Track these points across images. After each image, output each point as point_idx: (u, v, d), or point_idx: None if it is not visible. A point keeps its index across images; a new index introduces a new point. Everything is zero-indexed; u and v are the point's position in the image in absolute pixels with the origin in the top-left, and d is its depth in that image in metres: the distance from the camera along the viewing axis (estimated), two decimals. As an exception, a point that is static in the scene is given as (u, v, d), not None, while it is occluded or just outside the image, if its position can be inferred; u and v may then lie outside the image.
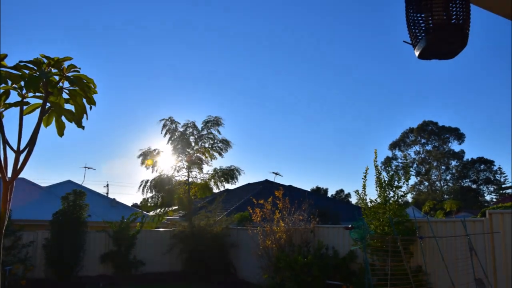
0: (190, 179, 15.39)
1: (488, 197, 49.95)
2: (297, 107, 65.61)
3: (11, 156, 1.84)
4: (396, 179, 8.08)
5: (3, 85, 1.90)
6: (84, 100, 2.07)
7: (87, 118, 2.11)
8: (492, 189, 50.02)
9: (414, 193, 52.81)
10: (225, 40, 46.17)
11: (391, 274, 6.94)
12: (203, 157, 15.33)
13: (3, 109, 1.92)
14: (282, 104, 65.23)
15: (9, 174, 1.85)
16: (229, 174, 15.38)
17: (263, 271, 10.97)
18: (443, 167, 52.58)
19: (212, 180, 15.41)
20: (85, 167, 27.69)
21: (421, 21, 2.20)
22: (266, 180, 24.34)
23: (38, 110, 1.97)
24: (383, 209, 7.96)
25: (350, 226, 7.97)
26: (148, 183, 15.15)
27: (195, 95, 51.45)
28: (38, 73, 1.91)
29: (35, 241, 13.24)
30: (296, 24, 49.32)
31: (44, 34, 34.11)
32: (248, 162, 73.47)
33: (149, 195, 15.24)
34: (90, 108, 2.10)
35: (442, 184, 53.14)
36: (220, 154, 15.38)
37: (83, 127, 2.09)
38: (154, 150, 15.35)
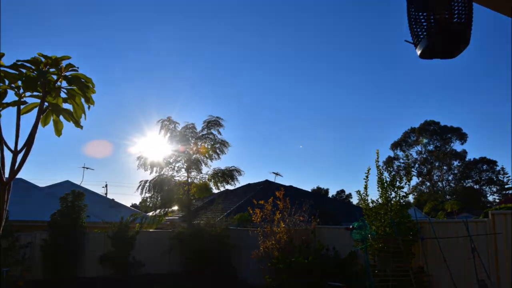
0: (190, 180, 15.37)
1: (490, 198, 49.68)
2: (297, 107, 65.65)
3: (8, 156, 1.82)
4: (398, 179, 8.05)
5: (0, 84, 1.88)
6: (83, 100, 2.05)
7: (85, 118, 2.09)
8: (494, 189, 49.73)
9: (416, 194, 52.65)
10: (225, 40, 46.21)
11: (393, 275, 6.91)
12: (204, 157, 15.36)
13: (0, 109, 1.90)
14: (283, 104, 65.26)
15: (7, 175, 1.83)
16: (229, 175, 15.40)
17: (264, 272, 10.93)
18: (445, 167, 52.44)
19: (212, 180, 15.42)
20: (84, 167, 27.60)
21: (423, 20, 2.17)
22: (267, 181, 24.27)
23: (35, 110, 1.95)
24: (385, 209, 7.93)
25: (351, 226, 7.94)
26: (147, 184, 15.15)
27: (196, 94, 51.51)
28: (35, 72, 1.89)
29: (33, 242, 13.16)
30: (296, 25, 49.33)
31: (42, 33, 34.18)
32: (249, 162, 73.52)
33: (148, 195, 15.25)
34: (89, 107, 2.08)
35: (444, 185, 52.98)
36: (218, 155, 15.42)
37: (81, 127, 2.07)
38: (153, 151, 15.43)
